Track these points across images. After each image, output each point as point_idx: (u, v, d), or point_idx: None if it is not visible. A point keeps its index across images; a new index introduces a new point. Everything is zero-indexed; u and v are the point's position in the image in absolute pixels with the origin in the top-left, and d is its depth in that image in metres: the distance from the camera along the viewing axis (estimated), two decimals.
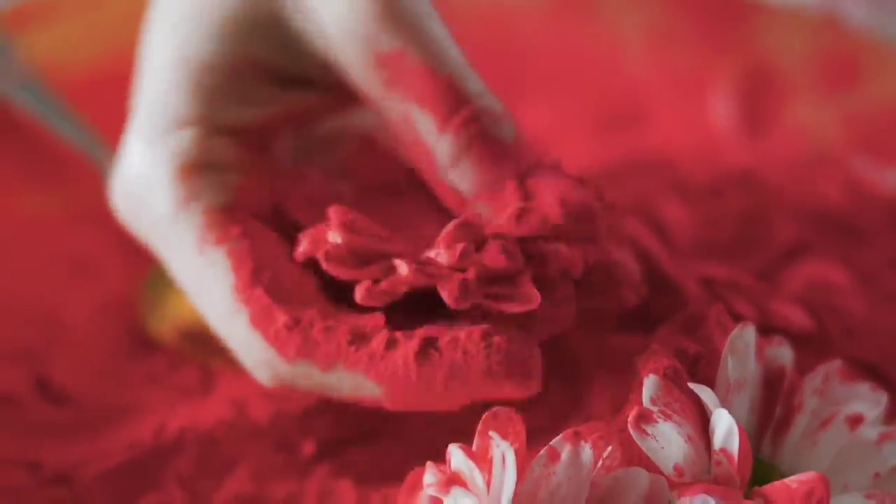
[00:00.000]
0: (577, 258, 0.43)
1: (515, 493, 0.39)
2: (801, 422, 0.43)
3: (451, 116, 0.44)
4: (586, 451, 0.40)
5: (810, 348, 0.47)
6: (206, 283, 0.44)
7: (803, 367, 0.45)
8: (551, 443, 0.40)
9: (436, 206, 0.46)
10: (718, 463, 0.40)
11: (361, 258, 0.43)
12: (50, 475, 0.47)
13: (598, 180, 0.45)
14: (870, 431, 0.43)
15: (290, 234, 0.45)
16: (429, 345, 0.42)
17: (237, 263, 0.44)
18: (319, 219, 0.45)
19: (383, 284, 0.43)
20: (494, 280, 0.42)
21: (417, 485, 0.42)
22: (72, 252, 0.55)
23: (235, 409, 0.48)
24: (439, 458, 0.41)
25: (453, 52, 0.44)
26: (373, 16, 0.44)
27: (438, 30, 0.44)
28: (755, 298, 0.48)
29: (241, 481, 0.46)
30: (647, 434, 0.40)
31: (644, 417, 0.40)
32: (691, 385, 0.41)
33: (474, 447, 0.40)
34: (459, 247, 0.42)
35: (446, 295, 0.42)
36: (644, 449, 0.40)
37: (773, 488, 0.40)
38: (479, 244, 0.43)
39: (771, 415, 0.44)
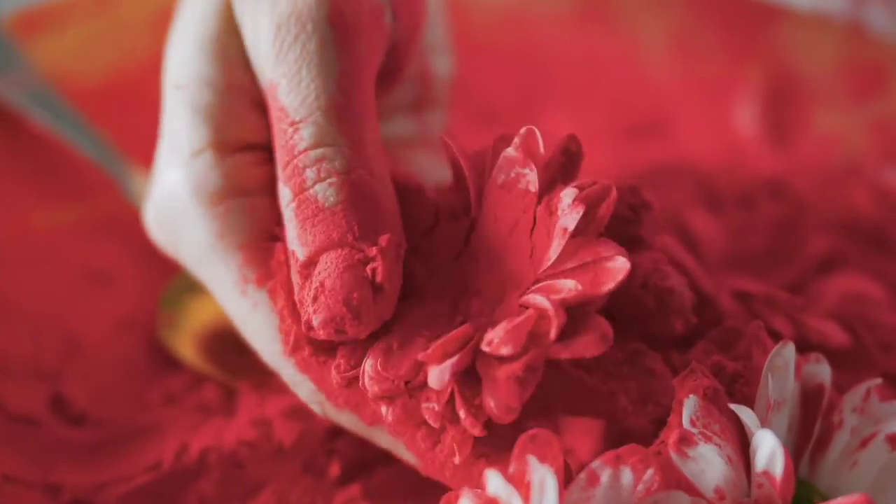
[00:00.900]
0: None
1: None
2: (840, 440, 0.43)
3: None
4: (626, 474, 0.39)
5: (847, 365, 0.47)
6: (252, 325, 0.44)
7: (840, 385, 0.45)
8: (591, 466, 0.39)
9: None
10: (760, 485, 0.39)
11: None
12: (70, 499, 0.46)
13: (634, 182, 0.44)
14: None
15: None
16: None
17: (281, 305, 0.43)
18: None
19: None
20: None
21: None
22: (88, 267, 0.54)
23: (259, 429, 0.47)
24: None
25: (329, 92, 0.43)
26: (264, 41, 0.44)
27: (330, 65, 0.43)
28: (791, 314, 0.47)
29: None
30: (688, 457, 0.39)
31: (685, 440, 0.39)
32: (732, 406, 0.40)
33: (511, 470, 0.39)
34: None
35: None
36: (685, 472, 0.39)
37: None
38: None
39: (809, 434, 0.43)
